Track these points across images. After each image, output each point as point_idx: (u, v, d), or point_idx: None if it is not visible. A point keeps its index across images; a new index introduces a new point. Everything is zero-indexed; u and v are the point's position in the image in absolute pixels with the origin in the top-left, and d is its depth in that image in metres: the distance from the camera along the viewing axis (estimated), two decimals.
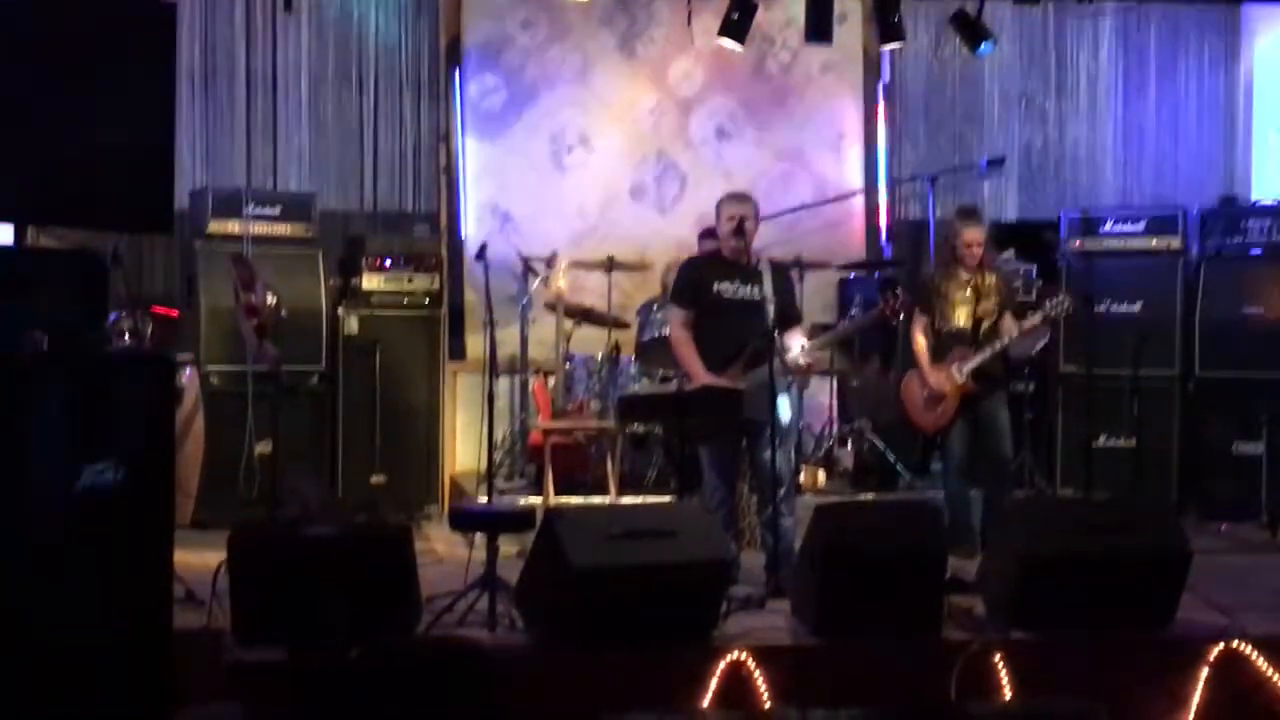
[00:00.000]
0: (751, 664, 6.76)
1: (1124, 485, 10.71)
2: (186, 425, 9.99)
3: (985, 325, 9.58)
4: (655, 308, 11.11)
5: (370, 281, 10.94)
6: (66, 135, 5.87)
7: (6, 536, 5.20)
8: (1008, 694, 6.88)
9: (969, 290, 9.59)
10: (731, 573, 7.85)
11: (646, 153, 12.70)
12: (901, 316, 9.13)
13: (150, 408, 5.95)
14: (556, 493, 10.02)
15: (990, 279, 9.68)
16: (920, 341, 9.67)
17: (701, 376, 8.55)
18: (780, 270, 8.92)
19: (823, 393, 11.82)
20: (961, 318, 9.60)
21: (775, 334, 8.38)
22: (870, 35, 12.50)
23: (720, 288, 8.63)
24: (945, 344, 9.60)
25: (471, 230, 12.19)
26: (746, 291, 8.58)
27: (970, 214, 9.94)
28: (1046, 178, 13.13)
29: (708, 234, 10.90)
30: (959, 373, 9.44)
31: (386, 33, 12.08)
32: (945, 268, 9.72)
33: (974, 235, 9.58)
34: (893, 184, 12.97)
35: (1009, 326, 9.54)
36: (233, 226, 10.60)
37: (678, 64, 12.67)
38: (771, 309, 8.46)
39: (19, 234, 6.11)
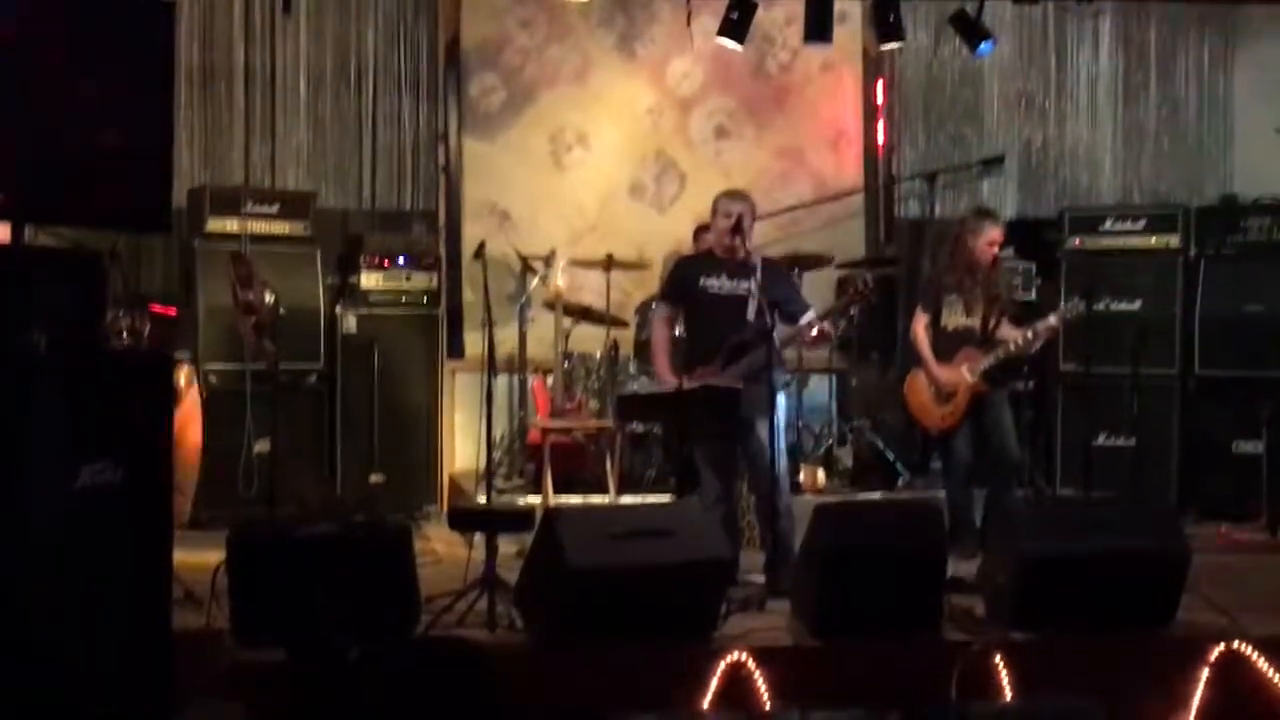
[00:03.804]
0: (751, 664, 6.75)
1: (1124, 484, 10.70)
2: (185, 424, 9.98)
3: (992, 324, 9.56)
4: (654, 306, 11.09)
5: (369, 280, 10.96)
6: (65, 134, 5.86)
7: (5, 536, 5.19)
8: (1008, 694, 6.87)
9: (979, 289, 9.57)
10: (731, 572, 7.83)
11: (645, 152, 12.69)
12: (872, 300, 9.08)
13: (148, 407, 5.95)
14: (555, 492, 10.02)
15: (997, 278, 9.67)
16: (923, 340, 9.64)
17: (667, 377, 8.57)
18: (776, 269, 8.92)
19: (822, 392, 11.82)
20: (971, 316, 9.57)
21: (771, 330, 8.37)
22: (870, 35, 12.48)
23: (707, 283, 8.65)
24: (951, 342, 9.57)
25: (470, 229, 12.16)
26: (733, 286, 8.59)
27: (990, 213, 9.93)
28: (1046, 175, 13.12)
29: (704, 229, 10.91)
30: (970, 372, 9.42)
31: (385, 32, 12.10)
32: (956, 266, 9.67)
33: (997, 234, 9.57)
34: (892, 183, 12.95)
35: (1010, 333, 9.52)
36: (231, 225, 10.61)
37: (677, 63, 12.66)
38: (754, 302, 8.44)
39: (17, 233, 6.09)
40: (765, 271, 8.65)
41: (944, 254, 9.91)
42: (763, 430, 8.41)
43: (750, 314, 8.45)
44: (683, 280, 8.83)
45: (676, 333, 9.07)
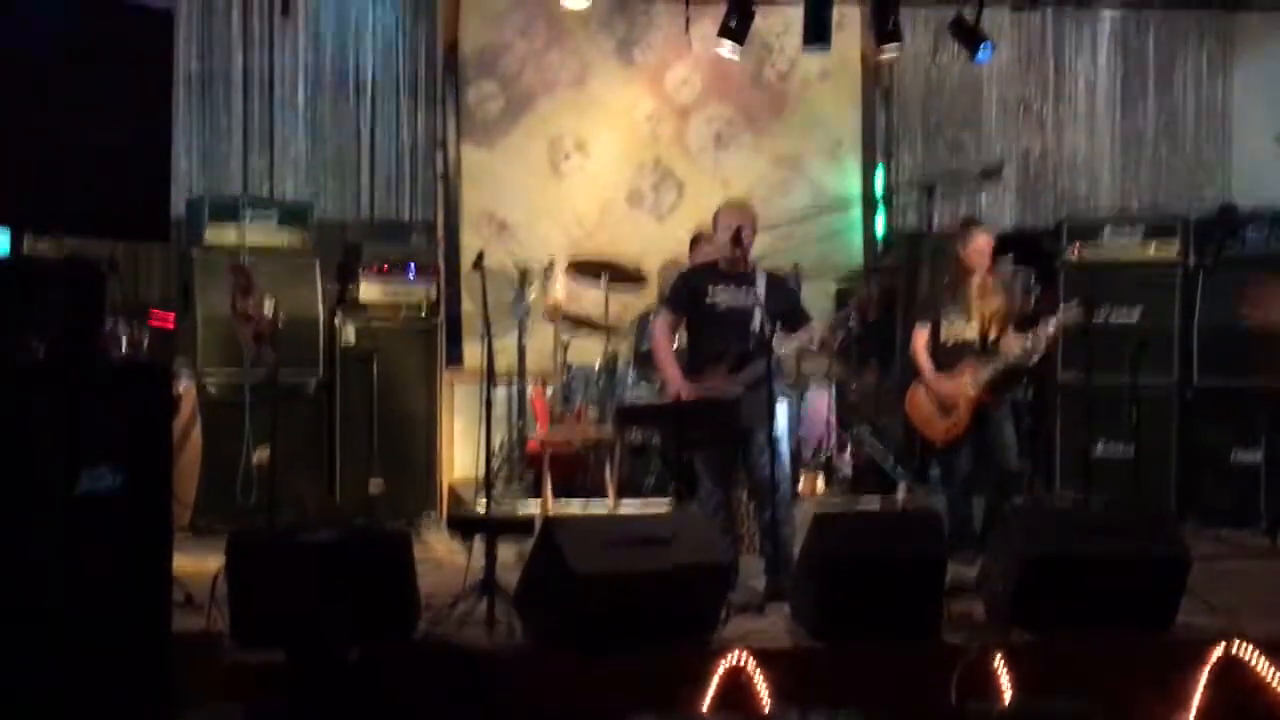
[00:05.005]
0: (751, 667, 6.74)
1: (1122, 493, 10.66)
2: (184, 433, 9.98)
3: (993, 334, 9.57)
4: (653, 316, 11.11)
5: (367, 290, 10.95)
6: (63, 142, 5.87)
7: (6, 542, 5.19)
8: (1008, 697, 6.86)
9: (976, 300, 9.58)
10: (730, 578, 7.84)
11: (644, 160, 12.71)
12: (869, 317, 9.06)
13: (147, 415, 5.95)
14: (555, 500, 10.02)
15: (995, 288, 9.68)
16: (923, 354, 9.65)
17: (677, 382, 8.57)
18: (777, 279, 8.93)
19: (820, 400, 11.81)
20: (970, 328, 9.58)
21: (771, 341, 8.37)
22: (868, 42, 12.49)
23: (714, 296, 8.66)
24: (952, 355, 9.58)
25: (468, 238, 12.18)
26: (741, 299, 8.60)
27: (976, 221, 10.09)
28: (1044, 185, 13.12)
29: (701, 238, 10.91)
30: (973, 384, 9.42)
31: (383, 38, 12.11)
32: (952, 278, 9.69)
33: (985, 240, 9.61)
34: (890, 191, 12.97)
35: (1012, 341, 9.52)
36: (230, 234, 10.62)
37: (675, 71, 12.68)
38: (759, 314, 8.45)
39: (16, 241, 6.10)
40: (768, 284, 8.66)
41: (939, 269, 9.95)
42: (762, 437, 8.41)
43: (755, 325, 8.46)
44: (689, 292, 8.84)
45: (676, 344, 9.06)
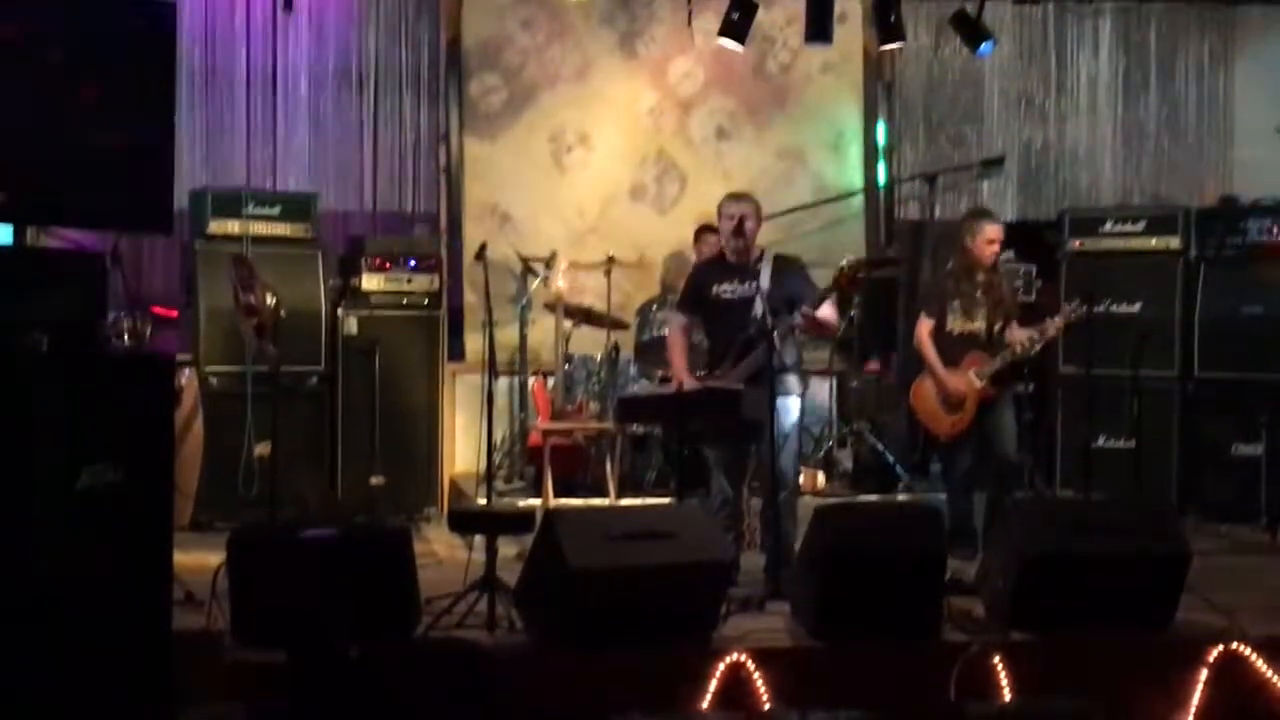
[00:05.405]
0: (751, 665, 6.75)
1: (1123, 486, 10.65)
2: (185, 426, 9.98)
3: (998, 327, 9.57)
4: (654, 308, 11.13)
5: (370, 282, 10.91)
6: (67, 135, 5.87)
7: (6, 537, 5.19)
8: (1007, 695, 6.87)
9: (982, 292, 9.58)
10: (731, 574, 7.83)
11: (646, 152, 12.70)
12: (847, 285, 9.00)
13: (149, 408, 5.96)
14: (556, 494, 10.02)
15: (999, 280, 9.68)
16: (929, 346, 9.64)
17: (682, 376, 8.57)
18: (786, 262, 8.87)
19: (821, 394, 11.81)
20: (976, 320, 9.57)
21: (773, 334, 8.34)
22: (870, 36, 12.48)
23: (720, 289, 8.67)
24: (956, 346, 9.57)
25: (471, 230, 12.17)
26: (745, 290, 8.59)
27: (987, 213, 10.02)
28: (1046, 177, 13.12)
29: (704, 230, 10.89)
30: (978, 377, 9.42)
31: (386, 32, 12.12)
32: (959, 269, 9.68)
33: (996, 232, 9.60)
34: (892, 183, 12.96)
35: (1018, 334, 9.53)
36: (232, 227, 10.60)
37: (678, 64, 12.67)
38: (761, 301, 8.41)
39: (19, 234, 6.10)
40: (777, 269, 8.65)
41: (942, 259, 9.92)
42: (764, 431, 8.39)
43: (756, 312, 8.44)
44: (696, 287, 8.88)
45: (695, 339, 9.05)
